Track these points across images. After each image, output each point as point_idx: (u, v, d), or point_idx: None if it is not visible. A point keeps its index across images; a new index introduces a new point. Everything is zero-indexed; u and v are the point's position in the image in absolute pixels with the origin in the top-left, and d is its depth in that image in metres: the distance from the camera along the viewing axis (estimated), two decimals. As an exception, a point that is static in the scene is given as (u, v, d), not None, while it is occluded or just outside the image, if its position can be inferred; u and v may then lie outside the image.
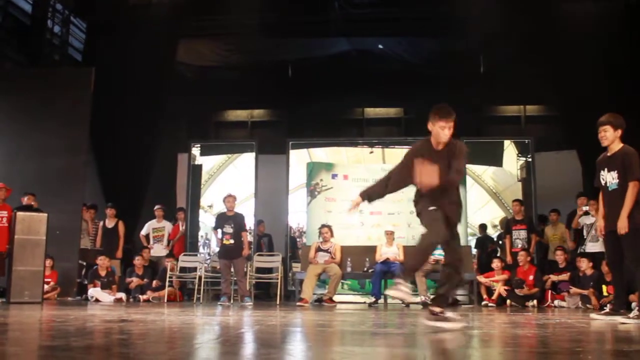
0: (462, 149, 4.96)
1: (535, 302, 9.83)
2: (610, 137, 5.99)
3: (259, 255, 11.81)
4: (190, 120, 16.76)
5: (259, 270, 11.52)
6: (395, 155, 13.71)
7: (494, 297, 10.12)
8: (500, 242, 12.01)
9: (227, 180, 13.19)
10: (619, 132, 5.98)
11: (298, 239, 13.53)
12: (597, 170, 6.16)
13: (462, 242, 11.05)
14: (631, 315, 5.74)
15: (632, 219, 5.77)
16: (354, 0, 13.69)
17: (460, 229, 11.25)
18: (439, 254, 10.16)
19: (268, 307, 9.40)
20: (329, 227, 10.67)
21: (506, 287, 10.08)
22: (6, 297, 8.95)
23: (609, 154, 6.07)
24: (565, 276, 9.98)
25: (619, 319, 5.79)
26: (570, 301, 9.54)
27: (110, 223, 11.71)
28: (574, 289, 9.53)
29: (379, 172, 12.06)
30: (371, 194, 5.29)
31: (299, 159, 13.30)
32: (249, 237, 11.02)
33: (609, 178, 5.99)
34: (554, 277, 10.14)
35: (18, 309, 7.46)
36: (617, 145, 6.00)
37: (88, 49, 14.41)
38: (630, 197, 5.76)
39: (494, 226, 13.01)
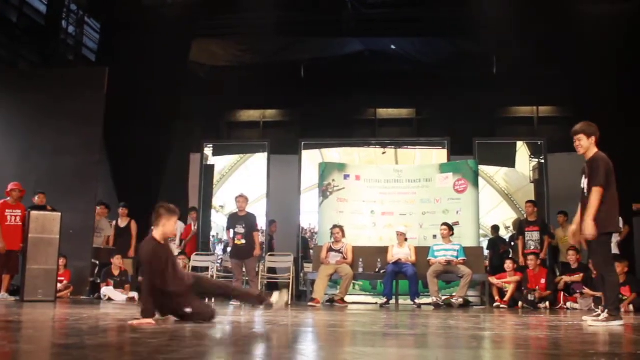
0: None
1: (547, 304, 9.79)
2: (584, 146, 6.11)
3: (270, 255, 11.83)
4: (203, 120, 16.83)
5: (271, 270, 11.54)
6: (408, 155, 13.71)
7: (506, 298, 10.08)
8: (513, 243, 11.97)
9: (239, 181, 13.22)
10: (593, 139, 6.08)
11: (310, 240, 13.54)
12: (581, 178, 6.26)
13: (474, 243, 11.07)
14: (600, 317, 5.77)
15: (598, 224, 5.78)
16: (367, 1, 13.69)
17: (472, 229, 11.32)
18: (451, 255, 10.18)
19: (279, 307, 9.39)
20: (341, 227, 10.67)
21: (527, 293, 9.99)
22: (20, 296, 9.02)
23: (586, 161, 6.16)
24: (578, 277, 9.94)
25: (589, 321, 5.85)
26: (583, 303, 9.48)
27: (122, 222, 11.75)
28: (586, 291, 9.47)
29: (391, 173, 12.11)
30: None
31: (311, 159, 13.32)
32: (260, 237, 11.03)
33: (584, 184, 6.09)
34: (566, 278, 10.10)
35: (32, 307, 7.51)
36: (591, 153, 6.09)
37: (102, 49, 14.49)
38: (593, 202, 5.79)
39: (506, 227, 12.97)
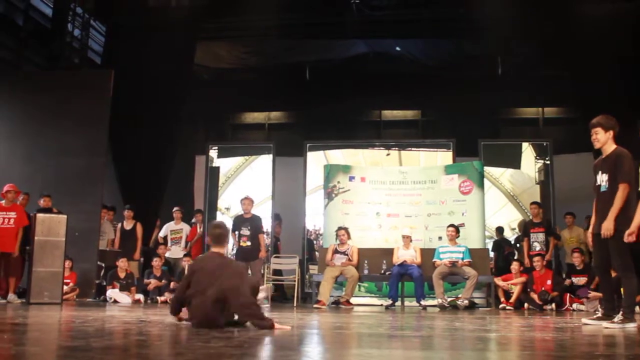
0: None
1: (553, 305, 9.77)
2: (601, 139, 5.93)
3: (276, 257, 11.83)
4: (208, 122, 16.86)
5: (276, 272, 11.55)
6: (412, 157, 13.69)
7: (512, 300, 10.07)
8: (518, 245, 11.96)
9: (245, 183, 13.21)
10: (611, 133, 5.91)
11: (315, 241, 13.53)
12: (594, 174, 6.06)
13: (479, 245, 11.06)
14: (615, 319, 5.66)
15: (620, 223, 5.63)
16: (371, 2, 13.68)
17: (477, 231, 11.30)
18: (456, 257, 10.17)
19: (285, 309, 9.42)
20: (346, 229, 10.67)
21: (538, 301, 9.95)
22: (26, 298, 9.03)
23: (603, 156, 5.99)
24: (584, 279, 9.91)
25: (605, 323, 5.71)
26: (589, 305, 9.46)
27: (128, 225, 11.78)
28: (593, 293, 9.44)
29: (396, 174, 12.10)
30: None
31: (316, 161, 13.31)
32: (266, 239, 11.04)
33: (600, 180, 5.92)
34: (575, 279, 10.06)
35: (38, 310, 7.53)
36: (610, 147, 5.93)
37: (107, 51, 14.53)
38: (619, 199, 5.65)
39: (512, 229, 12.94)
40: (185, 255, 11.63)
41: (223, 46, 15.59)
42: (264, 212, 12.29)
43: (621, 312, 5.67)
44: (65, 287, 9.80)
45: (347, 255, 10.40)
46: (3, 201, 9.65)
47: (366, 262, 10.52)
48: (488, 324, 6.36)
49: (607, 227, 5.65)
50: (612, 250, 5.75)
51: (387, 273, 10.41)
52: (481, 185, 11.58)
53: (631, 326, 5.53)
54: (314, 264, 12.13)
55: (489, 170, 12.79)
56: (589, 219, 9.99)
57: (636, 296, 5.98)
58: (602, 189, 5.90)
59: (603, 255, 5.92)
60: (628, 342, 4.56)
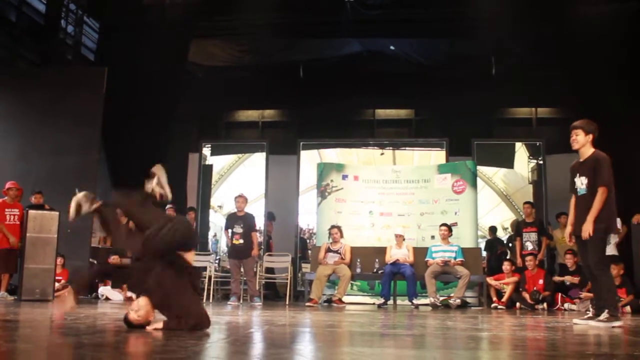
0: None
1: (545, 305, 9.80)
2: (580, 141, 6.06)
3: (268, 255, 11.83)
4: (202, 120, 16.81)
5: (269, 270, 11.54)
6: (406, 156, 13.70)
7: (504, 299, 10.10)
8: (511, 244, 11.98)
9: (238, 181, 13.21)
10: (590, 137, 6.04)
11: (308, 240, 13.54)
12: (571, 176, 6.16)
13: (472, 244, 11.08)
14: (601, 317, 5.71)
15: (597, 223, 5.74)
16: (366, 1, 13.67)
17: (470, 230, 11.33)
18: (449, 256, 10.19)
19: (277, 307, 9.42)
20: (339, 228, 10.68)
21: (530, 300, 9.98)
22: (18, 295, 9.01)
23: (581, 160, 6.10)
24: (575, 279, 9.93)
25: (593, 322, 5.76)
26: (581, 305, 9.49)
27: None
28: (584, 294, 9.46)
29: (389, 173, 12.12)
30: None
31: (309, 159, 13.31)
32: (258, 237, 11.04)
33: (579, 183, 6.02)
34: (568, 278, 10.07)
35: (29, 307, 7.51)
36: (588, 151, 6.05)
37: (101, 48, 14.46)
38: (598, 202, 5.76)
39: (505, 228, 12.98)
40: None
41: (217, 44, 15.54)
42: (257, 210, 12.29)
43: (606, 311, 5.70)
44: (57, 284, 9.77)
45: (339, 253, 10.41)
46: (6, 198, 9.67)
47: (359, 260, 10.53)
48: (480, 323, 6.37)
49: (586, 229, 5.77)
50: (590, 247, 5.85)
51: (379, 272, 10.43)
52: (474, 185, 11.61)
53: (617, 324, 5.58)
54: (306, 262, 12.13)
55: (482, 169, 12.83)
56: None
57: (615, 292, 6.06)
58: (581, 192, 6.01)
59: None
60: (613, 341, 4.58)
